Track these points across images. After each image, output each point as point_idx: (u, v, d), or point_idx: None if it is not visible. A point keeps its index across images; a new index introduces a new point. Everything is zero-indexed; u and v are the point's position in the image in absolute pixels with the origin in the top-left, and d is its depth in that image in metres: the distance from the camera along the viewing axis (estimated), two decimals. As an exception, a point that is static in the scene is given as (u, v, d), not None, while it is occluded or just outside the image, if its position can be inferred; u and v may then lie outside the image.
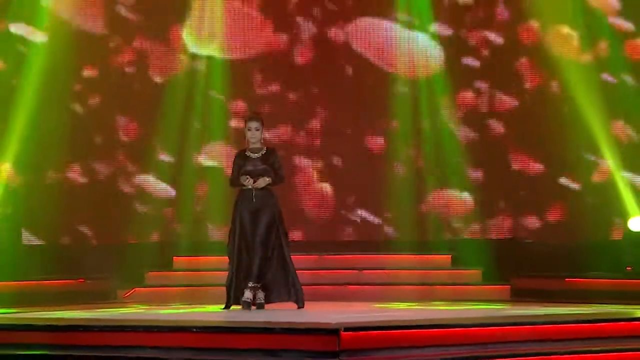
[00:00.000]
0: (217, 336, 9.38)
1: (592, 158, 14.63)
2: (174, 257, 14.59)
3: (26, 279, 13.50)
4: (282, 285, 11.02)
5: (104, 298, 13.66)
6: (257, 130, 11.03)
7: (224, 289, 13.08)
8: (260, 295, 10.92)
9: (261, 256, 10.91)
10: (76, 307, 12.32)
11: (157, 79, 15.28)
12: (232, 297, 11.01)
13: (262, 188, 10.95)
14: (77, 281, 13.82)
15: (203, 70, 15.30)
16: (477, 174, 15.13)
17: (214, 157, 15.32)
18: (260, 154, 11.06)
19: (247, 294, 10.89)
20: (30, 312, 11.81)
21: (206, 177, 15.30)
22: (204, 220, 15.24)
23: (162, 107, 15.12)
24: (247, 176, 10.91)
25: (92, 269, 14.32)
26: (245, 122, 11.14)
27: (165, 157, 15.22)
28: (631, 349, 9.61)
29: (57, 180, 15.05)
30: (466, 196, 15.11)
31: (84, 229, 15.19)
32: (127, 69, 15.27)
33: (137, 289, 13.85)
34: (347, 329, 8.78)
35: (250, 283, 10.90)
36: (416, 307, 12.14)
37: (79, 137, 15.17)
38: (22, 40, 14.92)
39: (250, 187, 10.94)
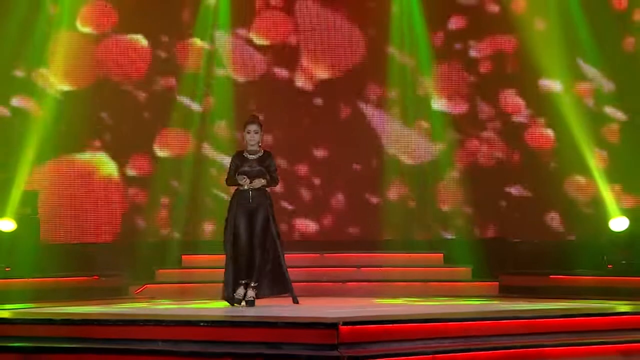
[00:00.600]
0: (223, 330, 9.42)
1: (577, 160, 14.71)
2: (183, 255, 14.56)
3: (45, 276, 13.51)
4: (274, 281, 10.98)
5: (117, 294, 13.65)
6: (256, 133, 10.99)
7: (230, 285, 13.16)
8: (251, 292, 10.88)
9: (259, 255, 10.89)
10: (91, 303, 12.34)
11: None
12: (232, 293, 10.98)
13: (258, 189, 10.93)
14: (91, 278, 13.83)
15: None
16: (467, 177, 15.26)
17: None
18: (257, 156, 11.02)
19: (240, 291, 10.90)
20: (49, 307, 11.83)
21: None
22: (211, 220, 15.28)
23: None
24: (244, 176, 10.89)
25: (105, 266, 14.34)
26: (245, 125, 11.08)
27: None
28: (612, 342, 9.64)
29: (71, 182, 15.13)
30: (457, 199, 15.19)
31: (100, 228, 15.25)
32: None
33: (147, 285, 13.79)
34: (345, 323, 8.81)
35: (246, 281, 10.88)
36: (410, 302, 12.15)
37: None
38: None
39: (246, 187, 10.92)
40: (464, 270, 14.16)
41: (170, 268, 14.37)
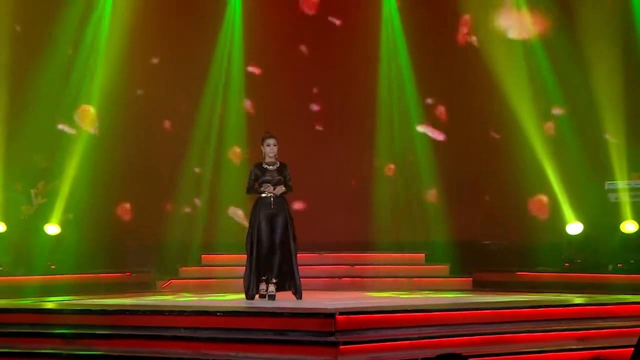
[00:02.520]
0: (236, 319, 9.44)
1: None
2: (202, 255, 14.49)
3: (84, 272, 13.49)
4: (287, 278, 10.77)
5: (146, 288, 13.60)
6: (275, 146, 10.73)
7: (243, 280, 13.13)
8: (272, 288, 10.67)
9: (280, 255, 10.67)
10: (123, 295, 12.32)
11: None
12: (253, 289, 10.75)
13: (278, 195, 10.71)
14: (124, 274, 13.84)
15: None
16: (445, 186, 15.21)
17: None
18: (275, 167, 10.78)
19: (264, 287, 10.68)
20: (87, 299, 11.85)
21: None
22: (228, 224, 15.24)
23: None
24: (269, 185, 10.66)
25: (136, 264, 14.33)
26: (263, 139, 10.79)
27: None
28: (570, 329, 9.69)
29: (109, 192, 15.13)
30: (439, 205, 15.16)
31: (131, 231, 15.22)
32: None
33: (172, 280, 13.77)
34: (341, 313, 8.85)
35: (269, 278, 10.66)
36: (397, 295, 12.13)
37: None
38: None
39: (269, 194, 10.67)
40: (443, 268, 14.08)
41: (192, 266, 14.30)
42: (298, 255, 10.89)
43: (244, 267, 10.83)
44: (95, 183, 14.65)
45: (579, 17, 14.37)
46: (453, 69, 15.12)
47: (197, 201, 15.21)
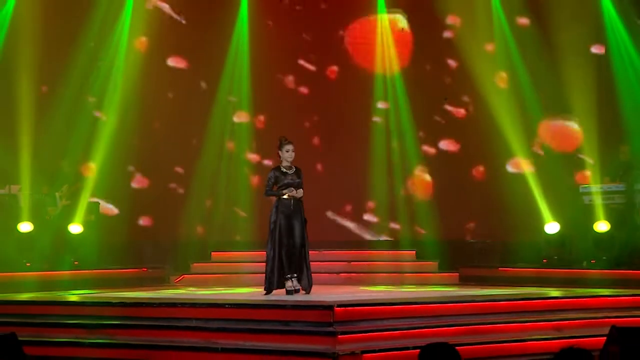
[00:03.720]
0: (243, 310, 9.44)
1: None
2: (212, 252, 14.46)
3: (104, 268, 13.49)
4: (302, 275, 10.47)
5: (161, 282, 13.61)
6: (293, 151, 10.44)
7: (249, 276, 13.17)
8: (296, 283, 10.37)
9: (299, 253, 10.38)
10: (140, 289, 12.37)
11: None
12: (275, 283, 10.42)
13: (297, 198, 10.41)
14: (141, 270, 13.83)
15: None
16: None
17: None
18: (293, 171, 10.48)
19: (291, 284, 10.35)
20: (108, 292, 11.86)
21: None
22: (236, 224, 15.21)
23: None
24: (292, 187, 10.38)
25: (151, 261, 14.32)
26: (282, 144, 10.47)
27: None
28: (547, 319, 9.73)
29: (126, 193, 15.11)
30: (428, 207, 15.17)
31: (147, 231, 15.21)
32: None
33: (185, 275, 13.75)
34: (339, 306, 8.87)
35: (290, 274, 10.36)
36: (389, 289, 12.14)
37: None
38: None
39: (292, 196, 10.33)
40: (432, 264, 14.05)
41: (203, 262, 14.27)
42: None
43: (264, 263, 10.65)
44: (115, 187, 14.68)
45: (554, 38, 14.42)
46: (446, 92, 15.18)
47: (208, 202, 15.17)
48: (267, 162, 15.15)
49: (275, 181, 10.46)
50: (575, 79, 14.18)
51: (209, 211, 15.16)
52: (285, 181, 10.39)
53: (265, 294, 10.40)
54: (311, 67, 15.44)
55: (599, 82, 14.29)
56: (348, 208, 15.18)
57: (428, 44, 15.27)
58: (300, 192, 10.38)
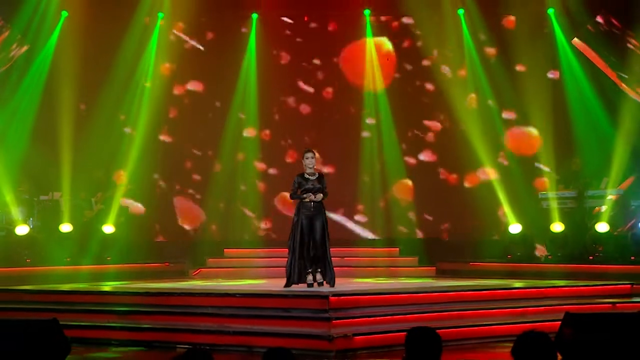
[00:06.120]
0: (250, 299, 9.44)
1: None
2: (225, 249, 14.43)
3: (133, 263, 13.43)
4: (325, 270, 9.98)
5: (181, 275, 13.55)
6: (313, 158, 10.02)
7: (256, 269, 13.16)
8: (319, 276, 9.92)
9: (320, 250, 9.88)
10: (163, 281, 12.34)
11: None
12: (295, 278, 9.91)
13: (317, 201, 9.98)
14: (163, 264, 13.80)
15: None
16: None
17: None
18: (315, 177, 10.04)
19: (311, 278, 9.89)
20: (135, 283, 11.85)
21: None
22: (245, 224, 15.14)
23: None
24: (310, 193, 9.91)
25: (173, 256, 14.25)
26: (304, 153, 10.10)
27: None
28: (512, 306, 9.72)
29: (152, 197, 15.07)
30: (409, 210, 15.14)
31: (169, 231, 15.17)
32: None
33: (201, 269, 13.70)
34: (334, 295, 8.87)
35: (312, 269, 9.92)
36: (377, 281, 12.12)
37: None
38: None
39: (312, 200, 9.91)
40: (413, 259, 14.00)
41: (217, 257, 14.20)
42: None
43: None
44: (142, 192, 14.65)
45: (516, 65, 14.45)
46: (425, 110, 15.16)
47: (222, 205, 15.16)
48: (272, 171, 15.22)
49: (298, 186, 10.05)
50: (534, 101, 14.24)
51: (222, 214, 15.10)
52: (307, 186, 9.97)
53: (285, 286, 9.93)
54: (310, 89, 15.44)
55: (555, 102, 14.35)
56: (341, 211, 15.13)
57: (410, 69, 15.30)
58: (319, 197, 9.93)
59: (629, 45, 13.85)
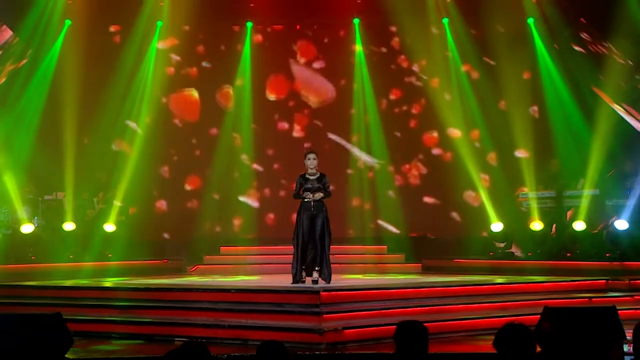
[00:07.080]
0: (245, 294, 9.43)
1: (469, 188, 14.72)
2: (221, 247, 14.38)
3: (133, 260, 13.33)
4: (322, 267, 9.86)
5: (179, 271, 13.53)
6: (315, 159, 9.91)
7: (251, 266, 13.13)
8: (316, 274, 9.82)
9: (320, 248, 9.79)
10: (162, 277, 12.32)
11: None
12: (298, 275, 9.84)
13: (317, 200, 9.86)
14: (162, 261, 13.77)
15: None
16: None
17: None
18: (316, 177, 9.93)
19: (315, 275, 9.80)
20: (135, 279, 11.82)
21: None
22: (241, 224, 15.12)
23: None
24: (309, 193, 9.84)
25: (171, 253, 14.22)
26: (305, 154, 10.01)
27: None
28: (494, 301, 9.75)
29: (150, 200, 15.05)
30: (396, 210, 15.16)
31: (168, 229, 15.13)
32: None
33: (199, 266, 13.67)
34: (324, 290, 8.87)
35: (315, 267, 9.82)
36: (365, 277, 12.12)
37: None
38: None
39: (310, 199, 9.83)
40: (400, 257, 14.00)
41: (213, 255, 14.18)
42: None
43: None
44: (142, 195, 14.62)
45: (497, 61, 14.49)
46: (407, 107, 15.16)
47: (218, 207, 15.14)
48: (257, 167, 15.22)
49: (300, 186, 9.95)
50: (517, 118, 14.25)
51: (218, 213, 15.05)
52: (307, 186, 9.87)
53: (292, 283, 9.81)
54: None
55: (536, 119, 14.39)
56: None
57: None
58: (317, 195, 9.79)
59: (605, 52, 13.90)
